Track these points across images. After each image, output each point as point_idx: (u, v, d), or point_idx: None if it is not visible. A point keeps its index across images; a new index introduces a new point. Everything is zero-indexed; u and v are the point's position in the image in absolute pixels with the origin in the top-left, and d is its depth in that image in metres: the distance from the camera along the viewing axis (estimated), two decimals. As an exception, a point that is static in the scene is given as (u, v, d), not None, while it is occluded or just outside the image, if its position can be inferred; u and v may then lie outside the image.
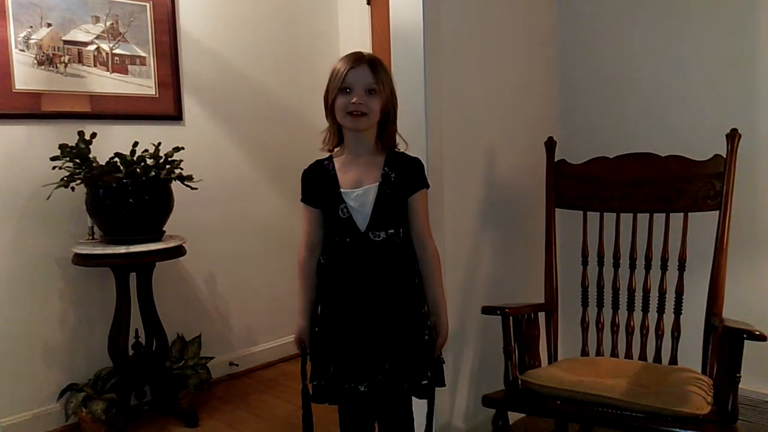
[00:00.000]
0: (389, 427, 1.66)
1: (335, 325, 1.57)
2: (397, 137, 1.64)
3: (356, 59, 1.55)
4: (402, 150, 1.66)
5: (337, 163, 1.61)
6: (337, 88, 1.54)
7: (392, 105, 1.59)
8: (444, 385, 1.64)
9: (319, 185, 1.60)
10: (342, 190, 1.56)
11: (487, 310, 1.90)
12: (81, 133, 2.42)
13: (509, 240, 2.46)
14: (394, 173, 1.57)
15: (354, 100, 1.52)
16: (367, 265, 1.54)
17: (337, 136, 1.63)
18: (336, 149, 1.65)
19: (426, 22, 2.03)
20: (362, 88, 1.53)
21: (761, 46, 2.19)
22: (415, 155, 1.66)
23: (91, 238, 2.58)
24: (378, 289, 1.54)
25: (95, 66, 2.71)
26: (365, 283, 1.54)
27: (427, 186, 1.63)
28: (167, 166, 2.52)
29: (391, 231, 1.55)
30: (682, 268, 1.96)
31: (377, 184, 1.55)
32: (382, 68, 1.57)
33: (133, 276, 2.62)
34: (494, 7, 2.33)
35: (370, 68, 1.54)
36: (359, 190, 1.56)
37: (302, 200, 1.64)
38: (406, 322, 1.56)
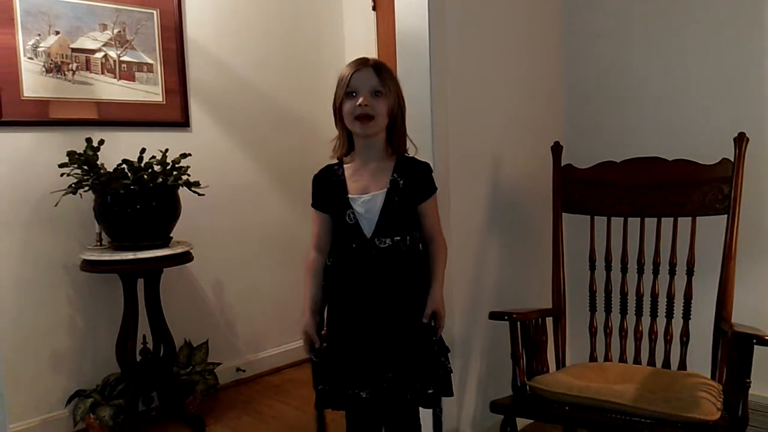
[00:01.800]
0: (396, 434, 1.65)
1: (340, 329, 1.58)
2: (408, 141, 1.65)
3: (360, 63, 1.56)
4: (412, 154, 1.66)
5: (347, 168, 1.62)
6: (343, 93, 1.55)
7: (399, 108, 1.60)
8: (452, 395, 1.63)
9: (328, 190, 1.61)
10: (350, 195, 1.57)
11: (494, 316, 1.90)
12: (89, 140, 2.43)
13: (516, 245, 2.45)
14: (402, 180, 1.57)
15: (360, 101, 1.52)
16: (371, 272, 1.54)
17: (347, 144, 1.64)
18: (346, 157, 1.65)
19: (431, 27, 2.04)
20: (368, 90, 1.53)
21: (768, 50, 2.18)
22: (424, 160, 1.66)
23: (98, 244, 2.59)
24: (382, 296, 1.54)
25: (103, 73, 2.73)
26: (369, 289, 1.54)
27: (435, 190, 1.64)
28: (174, 173, 2.52)
29: (397, 238, 1.55)
30: (690, 272, 1.95)
31: (385, 190, 1.56)
32: (387, 71, 1.58)
33: (140, 282, 2.62)
34: (500, 13, 2.33)
35: (375, 71, 1.55)
36: (366, 196, 1.56)
37: (312, 205, 1.65)
38: (411, 330, 1.55)
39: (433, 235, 1.63)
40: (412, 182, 1.58)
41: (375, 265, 1.54)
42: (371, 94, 1.53)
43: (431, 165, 1.67)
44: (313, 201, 1.65)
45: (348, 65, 1.58)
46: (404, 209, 1.56)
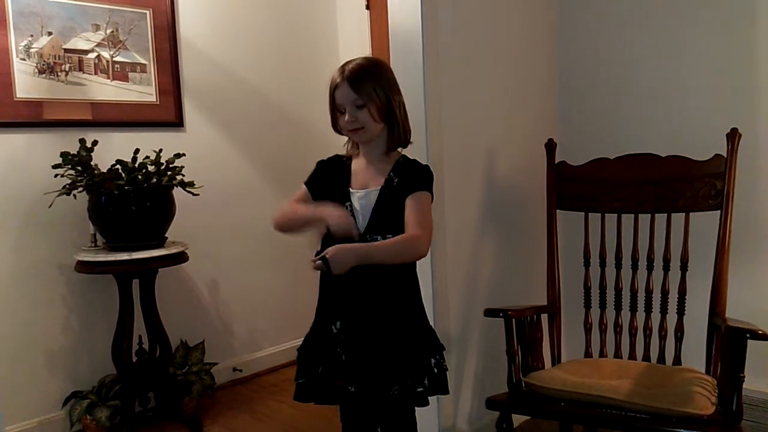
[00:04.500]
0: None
1: (328, 323, 1.58)
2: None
3: (339, 75, 1.55)
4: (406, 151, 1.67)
5: (354, 163, 1.65)
6: (333, 109, 1.59)
7: (392, 107, 1.57)
8: (447, 393, 1.63)
9: (331, 177, 1.63)
10: (351, 189, 1.60)
11: (489, 313, 1.90)
12: (82, 141, 2.43)
13: (511, 242, 2.46)
14: (397, 178, 1.58)
15: (347, 119, 1.55)
16: (361, 267, 1.54)
17: (353, 144, 1.67)
18: (356, 152, 1.68)
19: (425, 25, 2.04)
20: (351, 105, 1.54)
21: (760, 46, 2.19)
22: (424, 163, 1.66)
23: (93, 245, 2.58)
24: (370, 292, 1.54)
25: (96, 74, 2.72)
26: (358, 284, 1.54)
27: (427, 190, 1.59)
28: (168, 173, 2.52)
29: (389, 236, 1.55)
30: (684, 268, 1.96)
31: (379, 187, 1.57)
32: (367, 77, 1.54)
33: (136, 282, 2.62)
34: (493, 9, 2.33)
35: (351, 85, 1.53)
36: (362, 192, 1.58)
37: (306, 183, 1.64)
38: (398, 327, 1.56)
39: (409, 228, 1.52)
40: (406, 180, 1.58)
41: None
42: (354, 108, 1.55)
43: (425, 162, 1.66)
44: (308, 180, 1.65)
45: (336, 71, 1.57)
46: (397, 208, 1.56)
